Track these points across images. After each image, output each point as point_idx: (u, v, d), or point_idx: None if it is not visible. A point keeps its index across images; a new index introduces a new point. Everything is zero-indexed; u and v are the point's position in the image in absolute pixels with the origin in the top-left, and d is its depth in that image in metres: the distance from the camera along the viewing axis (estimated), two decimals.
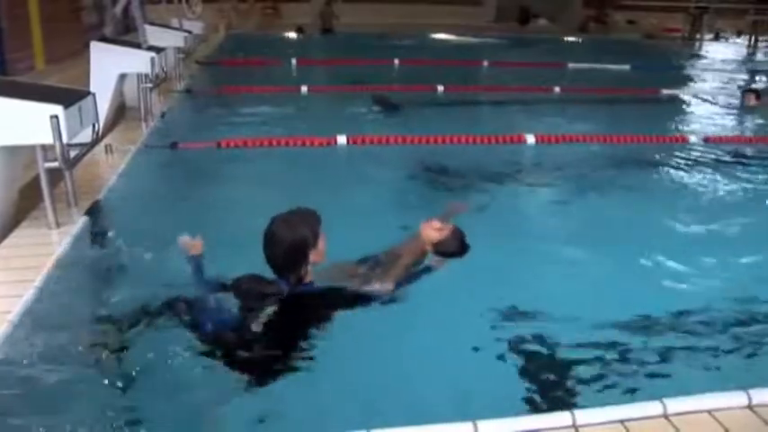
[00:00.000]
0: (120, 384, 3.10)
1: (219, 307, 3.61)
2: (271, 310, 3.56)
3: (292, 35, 18.08)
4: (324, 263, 3.77)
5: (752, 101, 11.04)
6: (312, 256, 3.66)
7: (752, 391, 2.89)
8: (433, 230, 3.90)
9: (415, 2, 22.08)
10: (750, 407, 2.83)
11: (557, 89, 11.43)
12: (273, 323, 3.51)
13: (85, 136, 5.44)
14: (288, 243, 3.57)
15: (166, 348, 3.31)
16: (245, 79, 11.41)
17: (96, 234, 4.78)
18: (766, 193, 6.51)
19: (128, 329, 3.51)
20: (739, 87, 11.68)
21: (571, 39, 20.58)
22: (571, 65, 14.36)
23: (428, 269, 3.97)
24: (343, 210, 5.29)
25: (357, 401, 3.02)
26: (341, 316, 3.59)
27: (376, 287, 3.73)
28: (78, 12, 13.23)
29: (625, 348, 3.56)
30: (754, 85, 12.15)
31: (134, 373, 3.17)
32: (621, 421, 2.71)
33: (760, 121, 10.21)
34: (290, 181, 6.27)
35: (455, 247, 3.98)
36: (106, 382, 3.13)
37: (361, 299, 3.73)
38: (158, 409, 2.96)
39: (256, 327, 3.48)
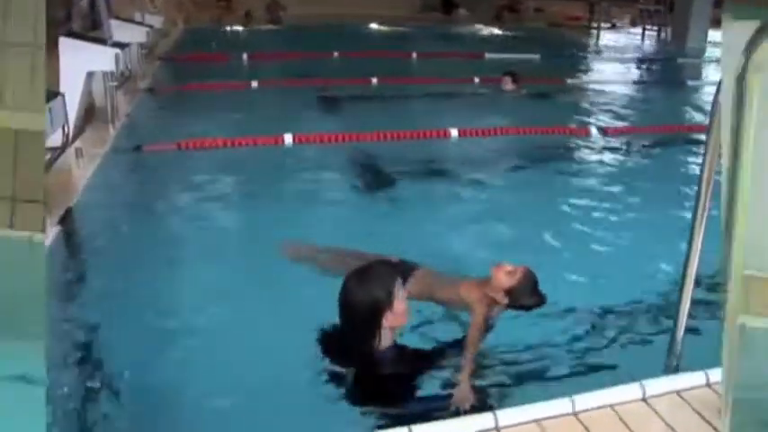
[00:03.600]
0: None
1: None
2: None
3: (243, 27, 17.19)
4: (405, 326, 3.11)
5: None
6: (388, 320, 2.93)
7: (645, 382, 2.92)
8: (504, 274, 3.34)
9: None
10: (644, 399, 2.87)
11: (476, 80, 10.79)
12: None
13: (55, 140, 5.07)
14: (359, 304, 2.86)
15: None
16: (207, 75, 10.48)
17: (69, 243, 4.56)
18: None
19: None
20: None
21: (488, 28, 20.14)
22: (488, 55, 13.84)
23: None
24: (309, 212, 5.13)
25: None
26: None
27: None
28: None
29: (539, 345, 3.56)
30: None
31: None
32: (536, 421, 2.70)
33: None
34: (253, 182, 6.00)
35: (533, 299, 3.41)
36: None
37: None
38: None
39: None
